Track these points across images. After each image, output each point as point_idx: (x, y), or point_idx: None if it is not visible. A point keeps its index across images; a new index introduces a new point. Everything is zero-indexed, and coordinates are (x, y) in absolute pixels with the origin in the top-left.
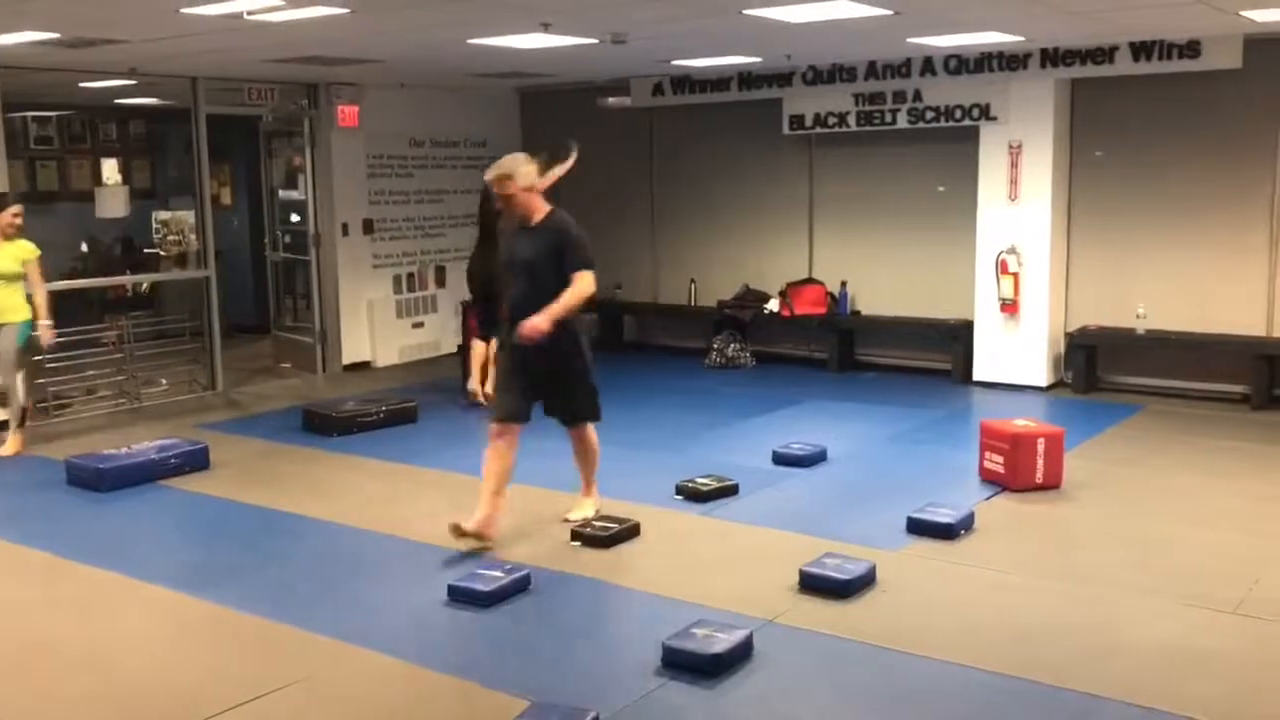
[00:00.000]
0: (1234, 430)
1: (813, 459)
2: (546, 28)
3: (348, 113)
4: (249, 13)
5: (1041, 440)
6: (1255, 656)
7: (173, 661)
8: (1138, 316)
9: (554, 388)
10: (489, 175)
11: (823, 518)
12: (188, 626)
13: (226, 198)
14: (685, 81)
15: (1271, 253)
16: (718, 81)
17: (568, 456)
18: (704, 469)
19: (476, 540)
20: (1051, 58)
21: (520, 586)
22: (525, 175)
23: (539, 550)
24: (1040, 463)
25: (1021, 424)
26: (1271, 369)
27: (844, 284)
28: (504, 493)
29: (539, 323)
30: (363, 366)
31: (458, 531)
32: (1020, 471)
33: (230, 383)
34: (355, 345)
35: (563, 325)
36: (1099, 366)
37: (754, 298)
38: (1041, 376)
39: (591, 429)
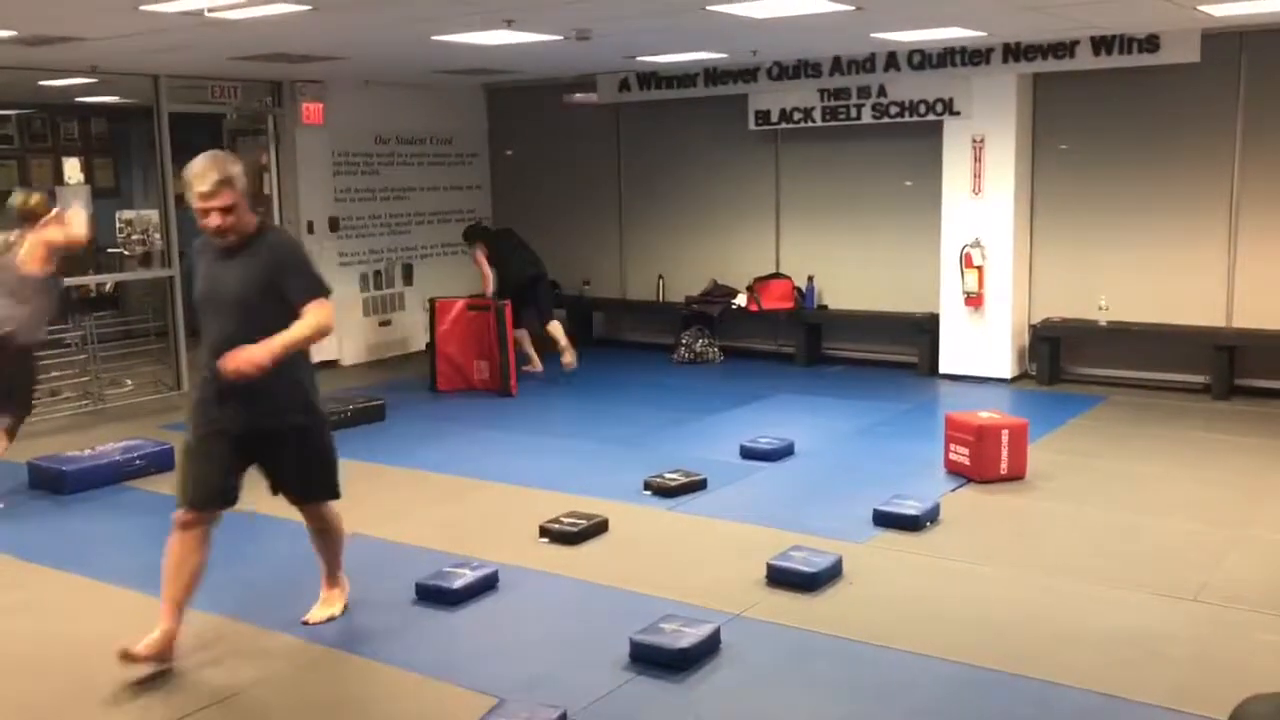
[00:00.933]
0: (1195, 420)
1: (780, 453)
2: (510, 24)
3: (312, 110)
4: (210, 10)
5: (1006, 432)
6: (1214, 642)
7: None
8: (1100, 308)
9: (277, 457)
10: (203, 185)
11: (790, 511)
12: (152, 628)
13: None
14: (651, 78)
15: (1230, 244)
16: (684, 78)
17: (540, 453)
18: (672, 464)
19: (155, 664)
20: (1013, 52)
21: (488, 584)
22: (242, 179)
23: (506, 547)
24: (1005, 454)
25: (986, 416)
26: (1231, 359)
27: (811, 278)
28: (186, 602)
29: (257, 355)
30: (330, 365)
31: (127, 657)
32: (985, 463)
33: (196, 383)
34: (322, 344)
35: (286, 374)
36: (1062, 358)
37: (721, 293)
38: (1006, 369)
39: (332, 507)
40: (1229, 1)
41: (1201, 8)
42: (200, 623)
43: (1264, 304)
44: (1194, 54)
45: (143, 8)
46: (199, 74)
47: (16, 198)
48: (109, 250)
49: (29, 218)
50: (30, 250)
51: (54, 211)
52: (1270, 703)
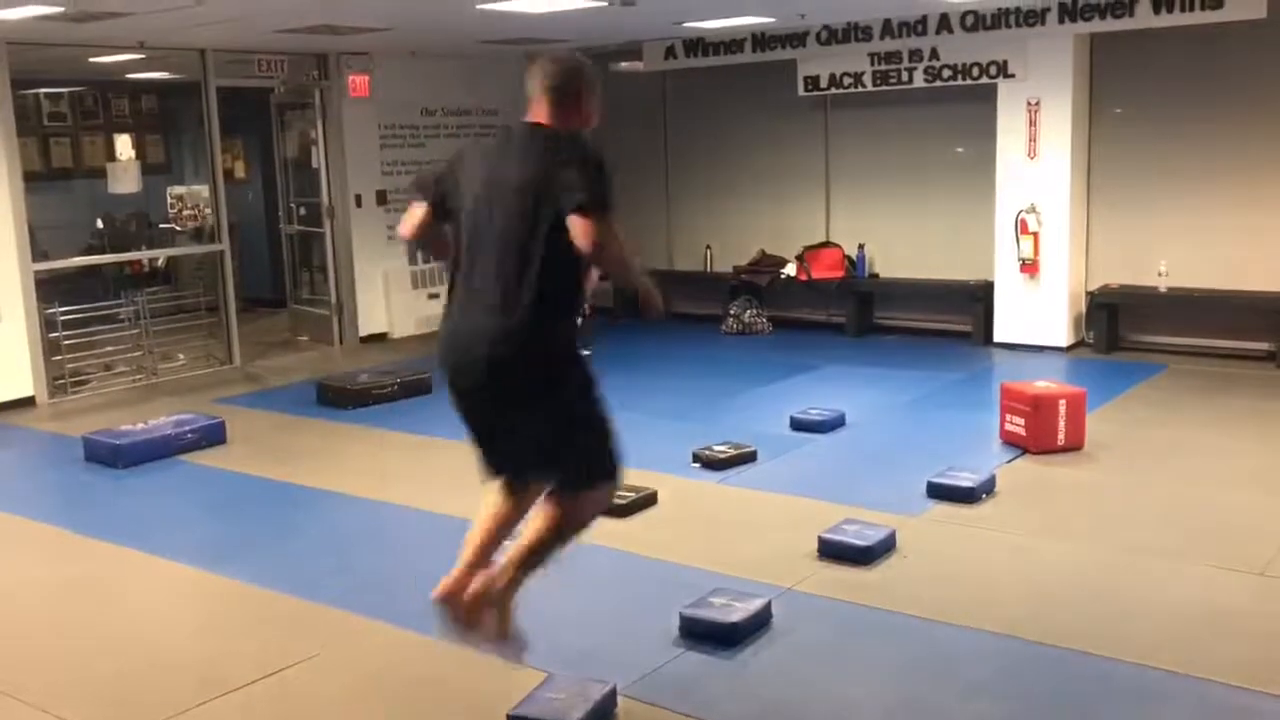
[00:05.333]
0: (1259, 388)
1: (831, 424)
2: None
3: (359, 83)
4: None
5: (1063, 402)
6: None
7: (190, 637)
8: (1160, 274)
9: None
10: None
11: (842, 484)
12: (205, 602)
13: (240, 171)
14: (698, 44)
15: None
16: (730, 43)
17: None
18: (721, 436)
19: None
20: (1070, 12)
21: None
22: None
23: None
24: (1062, 424)
25: (1043, 385)
26: None
27: (862, 247)
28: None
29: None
30: (380, 338)
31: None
32: (1042, 434)
33: (247, 356)
34: (372, 317)
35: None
36: (1121, 326)
37: (770, 263)
38: (1063, 337)
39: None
40: None
41: None
42: (254, 597)
43: None
44: (1260, 10)
45: None
46: (245, 48)
47: None
48: (161, 226)
49: None
50: None
51: None
52: None
